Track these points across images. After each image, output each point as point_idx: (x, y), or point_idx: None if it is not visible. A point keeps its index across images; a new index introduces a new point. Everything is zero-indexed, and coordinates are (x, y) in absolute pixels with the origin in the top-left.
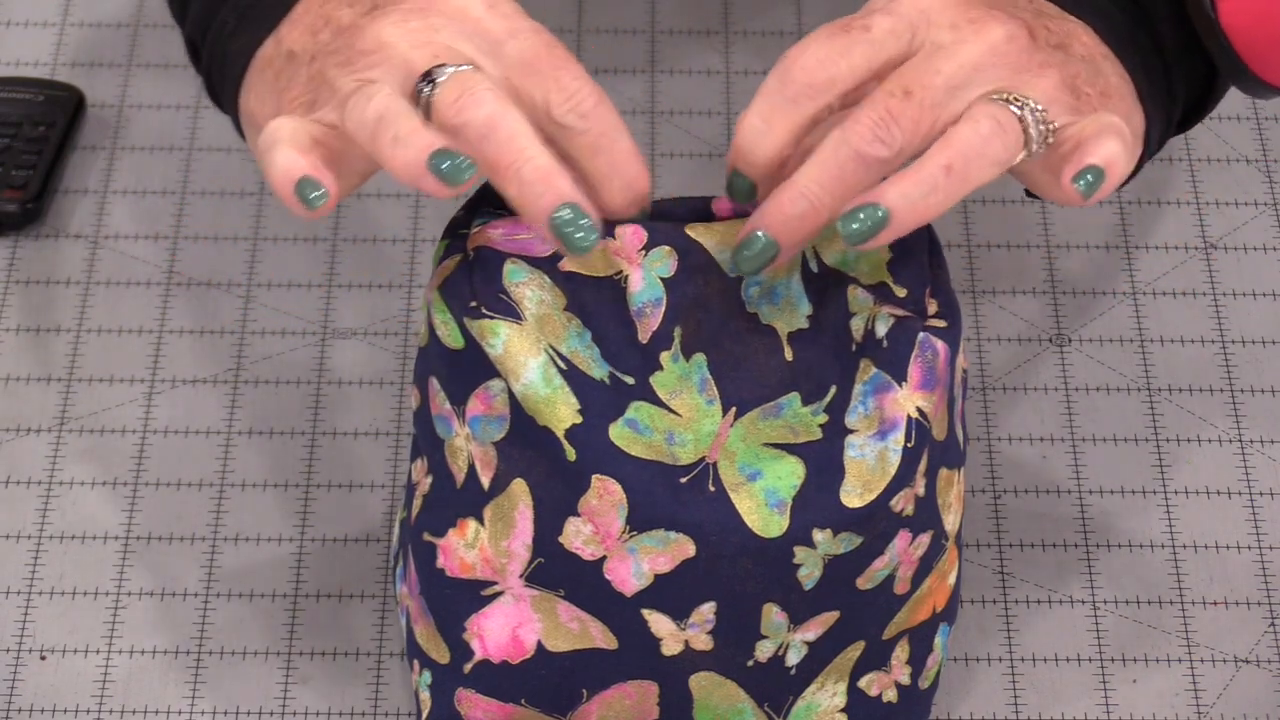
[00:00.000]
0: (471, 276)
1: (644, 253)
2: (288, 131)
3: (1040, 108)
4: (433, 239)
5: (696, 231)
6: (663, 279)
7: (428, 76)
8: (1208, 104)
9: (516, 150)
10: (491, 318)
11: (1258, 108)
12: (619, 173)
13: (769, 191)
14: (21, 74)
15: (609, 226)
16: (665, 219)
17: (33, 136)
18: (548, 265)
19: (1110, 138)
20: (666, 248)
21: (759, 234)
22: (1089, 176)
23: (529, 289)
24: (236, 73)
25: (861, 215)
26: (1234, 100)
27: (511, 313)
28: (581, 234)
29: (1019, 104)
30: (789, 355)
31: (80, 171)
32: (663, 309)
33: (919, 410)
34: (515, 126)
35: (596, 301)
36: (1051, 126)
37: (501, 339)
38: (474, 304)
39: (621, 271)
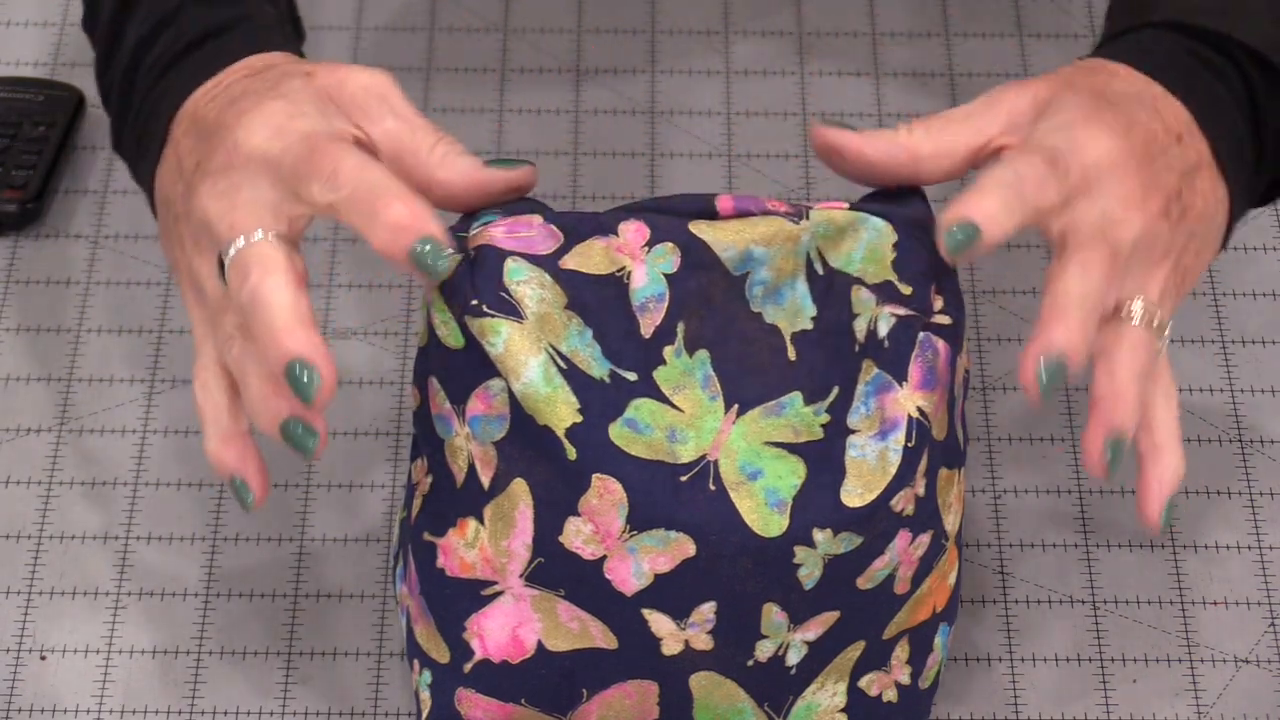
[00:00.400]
0: (473, 275)
1: (647, 249)
2: (210, 430)
3: (1158, 315)
4: None
5: (700, 229)
6: (665, 275)
7: (220, 261)
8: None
9: (267, 341)
10: (492, 316)
11: None
12: (380, 221)
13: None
14: (21, 74)
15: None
16: (667, 215)
17: (33, 136)
18: (549, 263)
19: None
20: (670, 244)
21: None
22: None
23: (529, 287)
24: (150, 198)
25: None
26: None
27: (513, 311)
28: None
29: (1153, 325)
30: (792, 355)
31: (80, 171)
32: (665, 304)
33: (919, 410)
34: (266, 318)
35: (598, 299)
36: (1166, 328)
37: (502, 338)
38: (475, 302)
39: (624, 268)
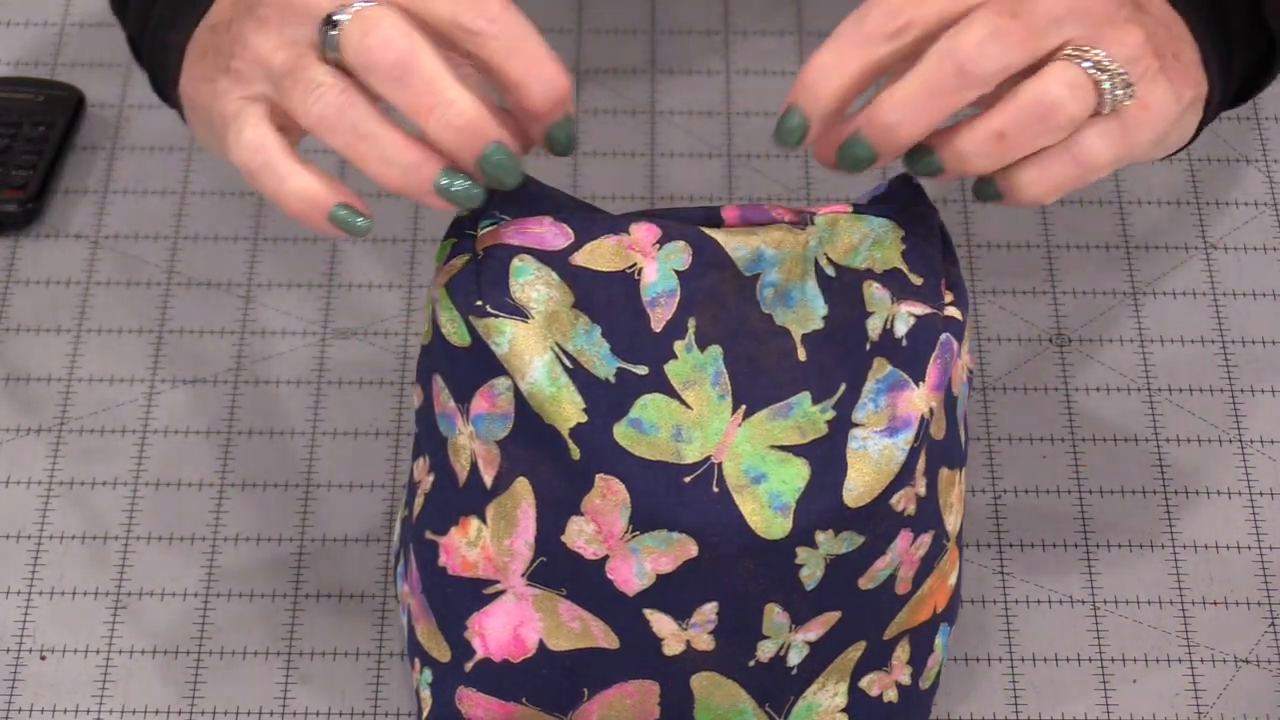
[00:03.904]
0: (479, 275)
1: (658, 246)
2: (275, 148)
3: (1122, 70)
4: (433, 239)
5: (710, 232)
6: (677, 271)
7: (330, 20)
8: (1262, 81)
9: (437, 94)
10: (497, 316)
11: (1258, 108)
12: (537, 72)
13: (819, 135)
14: (21, 74)
15: (619, 220)
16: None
17: (33, 136)
18: (557, 261)
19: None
20: (681, 242)
21: (859, 140)
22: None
23: (536, 287)
24: (174, 63)
25: (923, 162)
26: None
27: (517, 312)
28: (509, 172)
29: (1100, 67)
30: (802, 356)
31: (80, 171)
32: (677, 299)
33: (930, 410)
34: (431, 67)
35: (608, 295)
36: (1130, 90)
37: (507, 337)
38: (479, 303)
39: (635, 265)
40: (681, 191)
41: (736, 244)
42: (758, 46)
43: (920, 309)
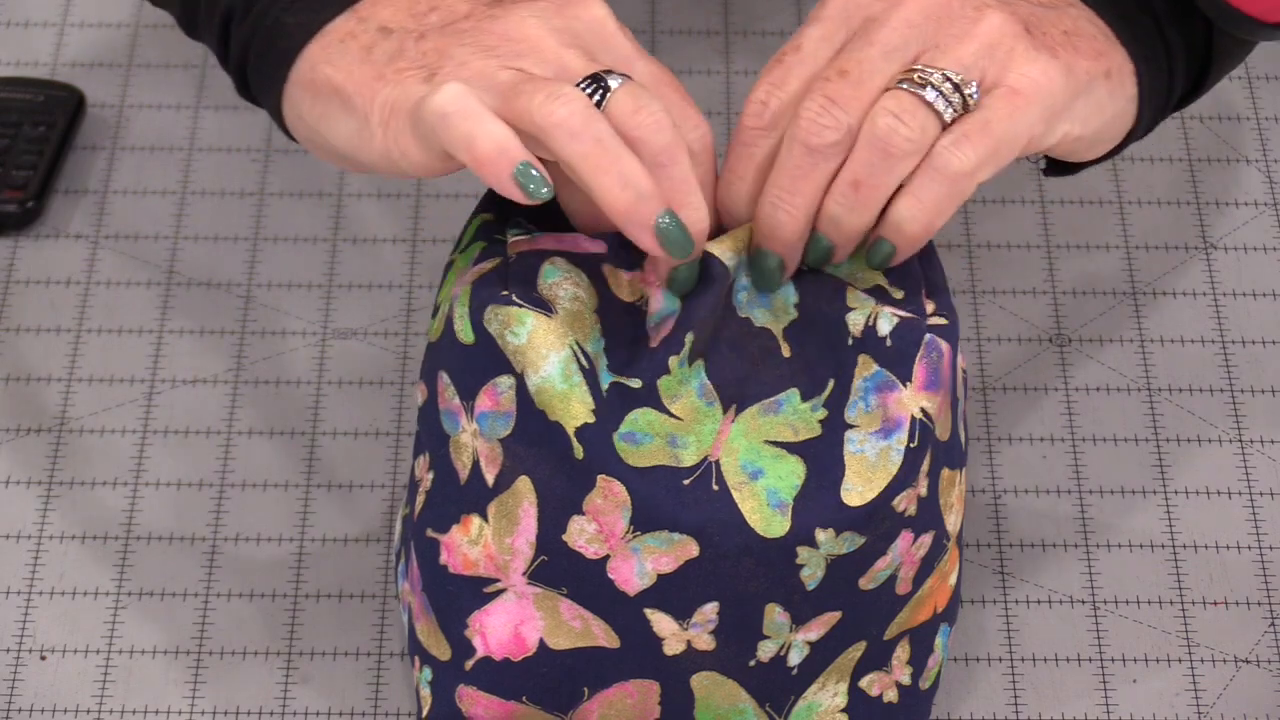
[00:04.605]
0: (508, 273)
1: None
2: (475, 103)
3: (947, 72)
4: (433, 239)
5: (711, 245)
6: (680, 295)
7: (596, 80)
8: (1211, 64)
9: (688, 193)
10: (520, 305)
11: (1258, 108)
12: (703, 214)
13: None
14: (21, 74)
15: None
16: None
17: (33, 136)
18: (589, 264)
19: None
20: None
21: (760, 251)
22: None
23: (564, 286)
24: (295, 44)
25: (812, 249)
26: (1234, 100)
27: (542, 306)
28: (684, 283)
29: (920, 82)
30: (786, 352)
31: (80, 171)
32: (675, 318)
33: (923, 411)
34: (688, 165)
35: (616, 311)
36: (969, 88)
37: (527, 328)
38: (505, 292)
39: (643, 296)
40: None
41: (736, 253)
42: (758, 46)
43: (902, 312)
